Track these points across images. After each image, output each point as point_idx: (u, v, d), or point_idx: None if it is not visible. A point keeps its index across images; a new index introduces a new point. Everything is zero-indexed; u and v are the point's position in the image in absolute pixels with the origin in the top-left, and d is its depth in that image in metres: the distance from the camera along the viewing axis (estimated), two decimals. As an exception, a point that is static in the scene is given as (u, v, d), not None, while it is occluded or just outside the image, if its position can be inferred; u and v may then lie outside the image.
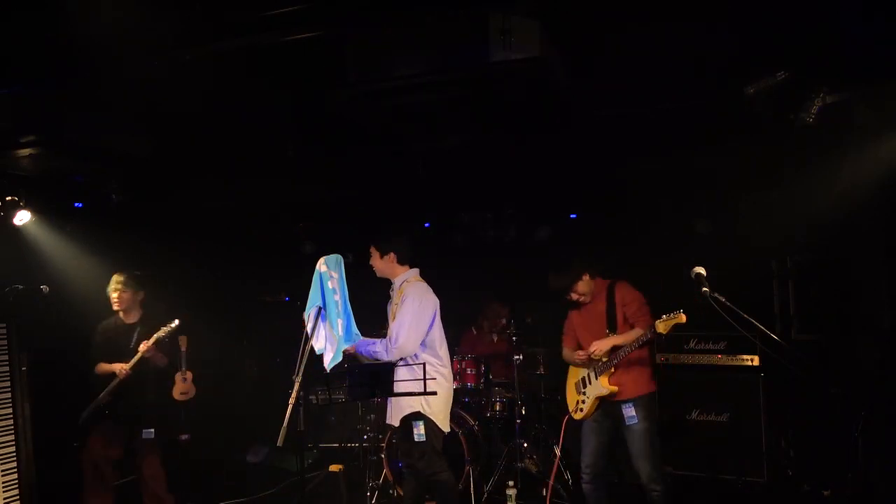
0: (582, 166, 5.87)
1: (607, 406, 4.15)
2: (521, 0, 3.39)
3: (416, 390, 3.83)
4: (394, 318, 4.21)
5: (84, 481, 4.74)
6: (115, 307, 4.92)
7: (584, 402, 4.22)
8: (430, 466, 4.10)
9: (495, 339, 6.32)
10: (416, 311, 4.06)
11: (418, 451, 4.08)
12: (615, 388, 4.05)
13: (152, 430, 4.84)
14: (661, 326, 3.85)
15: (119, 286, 4.91)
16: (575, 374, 4.38)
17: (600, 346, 4.08)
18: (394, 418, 4.19)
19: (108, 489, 4.82)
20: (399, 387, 3.81)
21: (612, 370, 4.07)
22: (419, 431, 4.04)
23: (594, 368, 4.16)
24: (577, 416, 4.27)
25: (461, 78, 3.84)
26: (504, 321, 6.38)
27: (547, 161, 5.85)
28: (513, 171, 6.10)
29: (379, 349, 4.08)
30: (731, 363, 5.52)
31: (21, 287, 4.36)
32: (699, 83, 4.17)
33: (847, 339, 5.00)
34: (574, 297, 4.28)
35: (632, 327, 4.11)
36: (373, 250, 4.33)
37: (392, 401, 4.16)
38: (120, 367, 4.71)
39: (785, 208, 5.33)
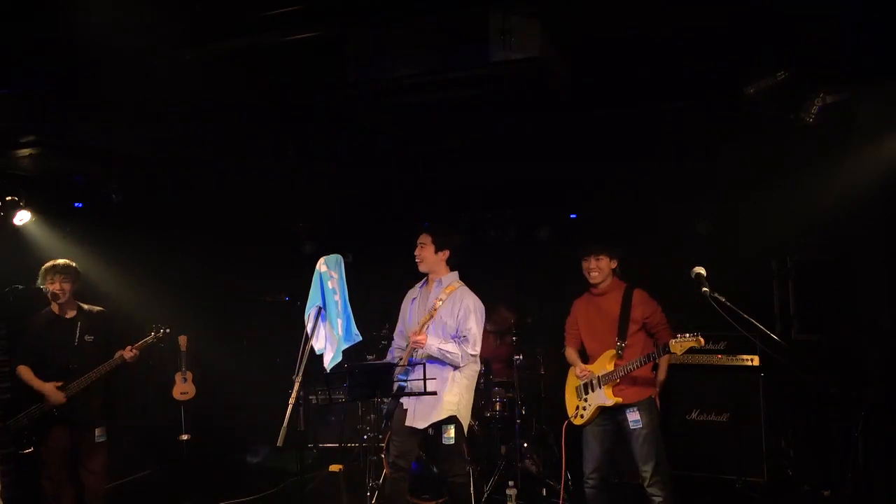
0: (582, 166, 5.87)
1: (609, 411, 4.09)
2: (522, 0, 3.40)
3: (454, 393, 3.93)
4: (432, 314, 4.11)
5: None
6: (59, 298, 4.43)
7: (585, 408, 4.16)
8: (453, 468, 4.06)
9: (498, 342, 6.31)
10: (480, 320, 4.07)
11: (446, 452, 4.02)
12: (620, 399, 3.99)
13: (104, 429, 4.52)
14: (677, 347, 3.75)
15: (64, 275, 4.44)
16: (575, 379, 4.31)
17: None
18: (419, 420, 4.00)
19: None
20: (430, 386, 3.72)
21: (618, 380, 4.01)
22: (449, 434, 3.96)
23: (599, 377, 4.11)
24: (578, 421, 4.21)
25: (461, 78, 3.83)
26: (509, 326, 6.37)
27: (547, 161, 5.85)
28: (512, 171, 6.10)
29: (457, 352, 4.00)
30: (731, 363, 5.51)
31: (21, 287, 4.32)
32: (699, 83, 4.18)
33: (847, 339, 4.99)
34: (587, 267, 4.19)
35: (650, 336, 4.08)
36: (427, 240, 4.18)
37: (420, 403, 3.98)
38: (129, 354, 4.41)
39: (785, 208, 5.32)
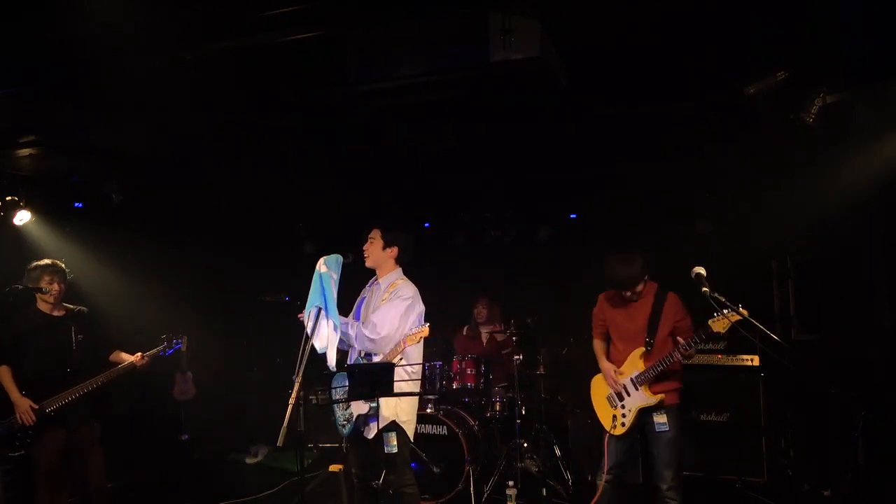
0: (582, 166, 5.87)
1: (644, 413, 3.98)
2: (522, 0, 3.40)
3: (389, 399, 3.67)
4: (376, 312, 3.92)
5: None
6: (51, 299, 4.37)
7: (624, 415, 3.98)
8: (401, 479, 3.83)
9: (497, 342, 6.30)
10: (399, 309, 3.79)
11: (391, 462, 3.80)
12: (662, 397, 3.88)
13: (99, 426, 4.49)
14: (718, 325, 3.56)
15: (61, 275, 4.40)
16: (604, 388, 4.15)
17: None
18: (373, 428, 3.81)
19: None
20: (398, 388, 3.56)
21: (653, 377, 3.90)
22: (391, 443, 3.74)
23: (632, 379, 3.97)
24: (619, 431, 3.99)
25: (461, 78, 3.83)
26: (484, 318, 6.38)
27: (547, 161, 5.85)
28: (513, 171, 6.10)
29: (350, 333, 3.79)
30: (731, 363, 5.51)
31: (21, 287, 4.31)
32: (699, 83, 4.18)
33: (847, 339, 4.99)
34: (627, 294, 4.00)
35: (675, 342, 3.90)
36: (377, 235, 3.97)
37: (364, 411, 3.79)
38: (137, 360, 4.39)
39: (785, 208, 5.32)
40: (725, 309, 3.51)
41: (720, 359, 5.55)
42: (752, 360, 5.45)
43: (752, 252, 5.61)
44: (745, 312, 3.42)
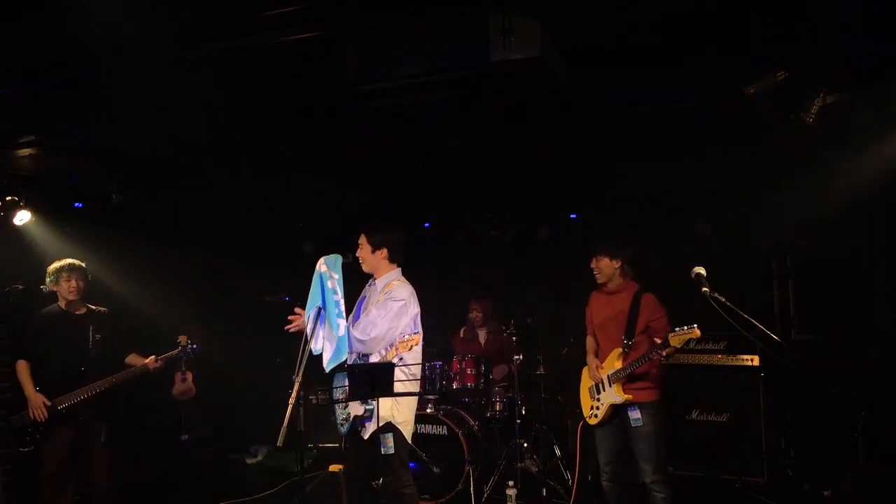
0: (582, 166, 5.87)
1: (617, 409, 4.14)
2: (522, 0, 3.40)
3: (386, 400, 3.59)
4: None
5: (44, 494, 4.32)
6: (72, 297, 4.44)
7: (598, 408, 4.21)
8: (398, 480, 3.79)
9: (496, 342, 6.29)
10: (395, 313, 3.74)
11: (387, 463, 3.74)
12: (629, 397, 4.03)
13: (109, 428, 4.59)
14: (676, 340, 3.84)
15: (80, 273, 4.47)
16: (588, 379, 4.36)
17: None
18: (370, 429, 3.75)
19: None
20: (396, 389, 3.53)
21: (625, 378, 4.06)
22: (388, 444, 3.70)
23: (608, 376, 4.15)
24: (592, 421, 4.25)
25: (461, 78, 3.83)
26: (479, 321, 6.38)
27: (547, 161, 5.85)
28: (513, 171, 6.10)
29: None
30: (731, 363, 5.51)
31: (21, 287, 4.31)
32: (699, 83, 4.18)
33: (847, 339, 5.00)
34: (593, 267, 4.27)
35: (650, 339, 4.11)
36: (363, 240, 3.92)
37: (359, 412, 3.74)
38: (148, 364, 4.42)
39: (785, 208, 5.32)
40: (690, 327, 3.81)
41: (720, 359, 5.55)
42: (752, 360, 5.45)
43: (752, 252, 5.61)
44: (697, 333, 3.77)
